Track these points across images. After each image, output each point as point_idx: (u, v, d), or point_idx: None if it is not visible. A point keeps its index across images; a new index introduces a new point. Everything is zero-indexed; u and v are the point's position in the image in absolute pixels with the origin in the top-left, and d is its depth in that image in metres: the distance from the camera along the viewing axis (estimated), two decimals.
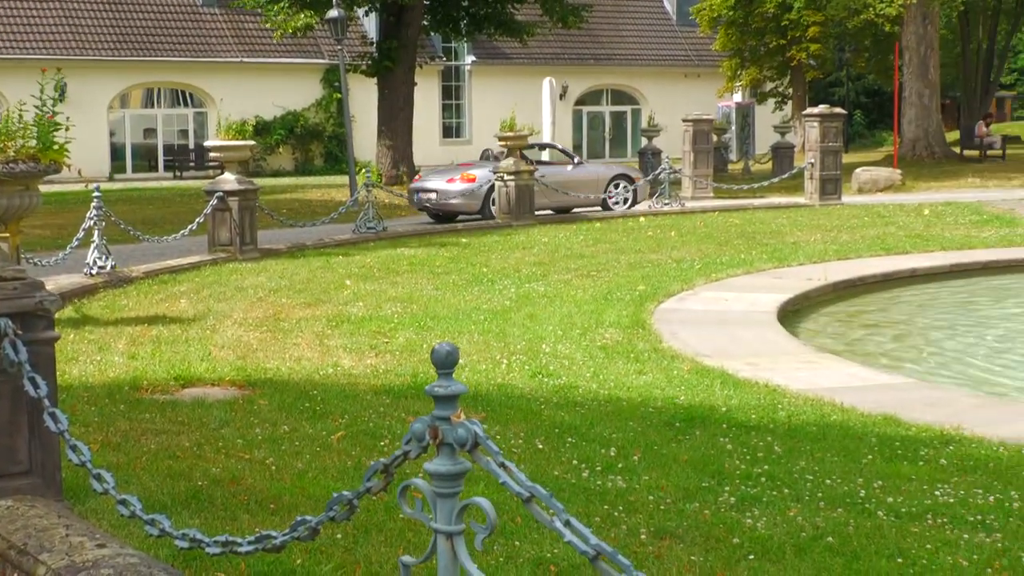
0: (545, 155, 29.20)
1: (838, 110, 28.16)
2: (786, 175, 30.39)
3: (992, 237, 20.35)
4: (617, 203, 26.94)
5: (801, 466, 7.15)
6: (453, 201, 25.37)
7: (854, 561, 5.48)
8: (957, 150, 42.28)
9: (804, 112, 29.86)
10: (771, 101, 49.55)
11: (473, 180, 25.21)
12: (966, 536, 5.85)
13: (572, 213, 25.81)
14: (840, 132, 27.94)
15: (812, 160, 26.94)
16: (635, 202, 27.26)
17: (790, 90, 48.27)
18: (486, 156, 28.00)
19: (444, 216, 25.77)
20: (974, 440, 7.94)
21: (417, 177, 27.43)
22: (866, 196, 29.47)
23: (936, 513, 6.23)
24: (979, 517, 6.16)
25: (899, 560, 5.49)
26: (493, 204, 24.86)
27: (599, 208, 26.63)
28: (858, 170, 32.27)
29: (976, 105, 51.96)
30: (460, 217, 25.66)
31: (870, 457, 7.42)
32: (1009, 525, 6.05)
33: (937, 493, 6.60)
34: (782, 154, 35.82)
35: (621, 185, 27.13)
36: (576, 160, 27.44)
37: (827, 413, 8.72)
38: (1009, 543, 5.76)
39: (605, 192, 26.81)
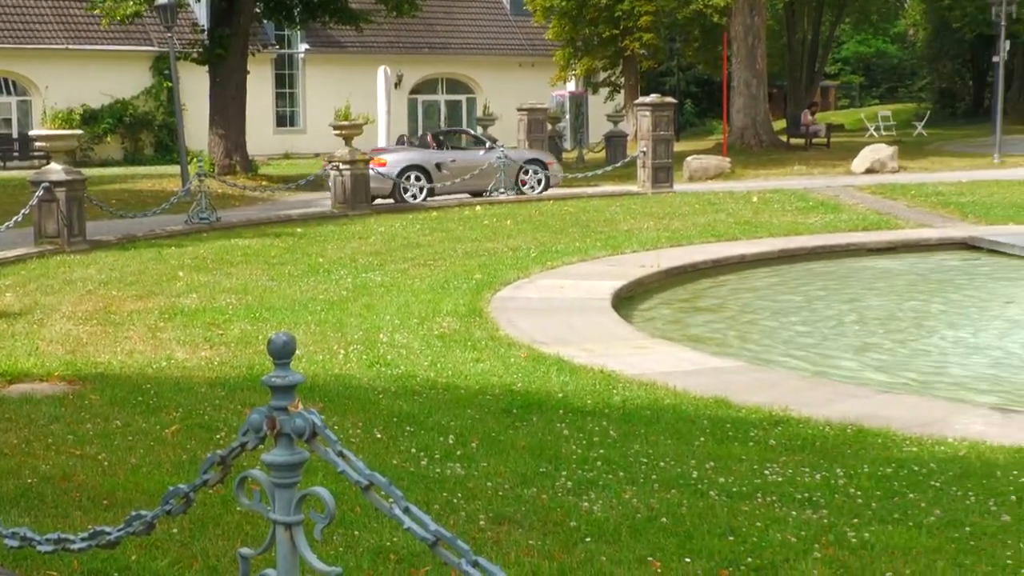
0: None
1: (669, 99, 28.63)
2: (619, 164, 30.78)
3: (818, 223, 20.91)
4: (530, 187, 27.54)
5: (636, 449, 7.29)
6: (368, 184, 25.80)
7: (687, 540, 5.61)
8: (784, 138, 43.28)
9: (636, 101, 30.28)
10: (604, 90, 50.12)
11: (384, 164, 25.88)
12: (794, 513, 6.03)
13: (401, 203, 25.91)
14: (671, 121, 28.39)
15: (645, 149, 27.33)
16: (548, 186, 27.82)
17: (623, 80, 48.89)
18: (401, 141, 28.64)
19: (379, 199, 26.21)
20: (801, 420, 8.17)
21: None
22: (697, 184, 30.00)
23: (766, 492, 6.40)
24: (806, 495, 6.35)
25: (730, 538, 5.63)
26: (405, 191, 25.74)
27: (512, 192, 27.12)
28: (689, 158, 32.84)
29: (802, 94, 53.32)
30: (300, 209, 25.52)
31: (702, 439, 7.59)
32: (835, 501, 6.25)
33: (766, 472, 6.78)
34: (615, 143, 36.27)
35: (532, 170, 27.74)
36: (488, 145, 27.99)
37: (660, 397, 8.88)
38: (835, 519, 5.95)
39: (517, 176, 27.42)
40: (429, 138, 27.82)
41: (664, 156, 27.40)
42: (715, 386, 9.28)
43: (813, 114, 44.48)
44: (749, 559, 5.35)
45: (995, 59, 36.62)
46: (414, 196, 25.93)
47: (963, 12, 52.31)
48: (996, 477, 6.75)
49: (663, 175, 27.32)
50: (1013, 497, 6.35)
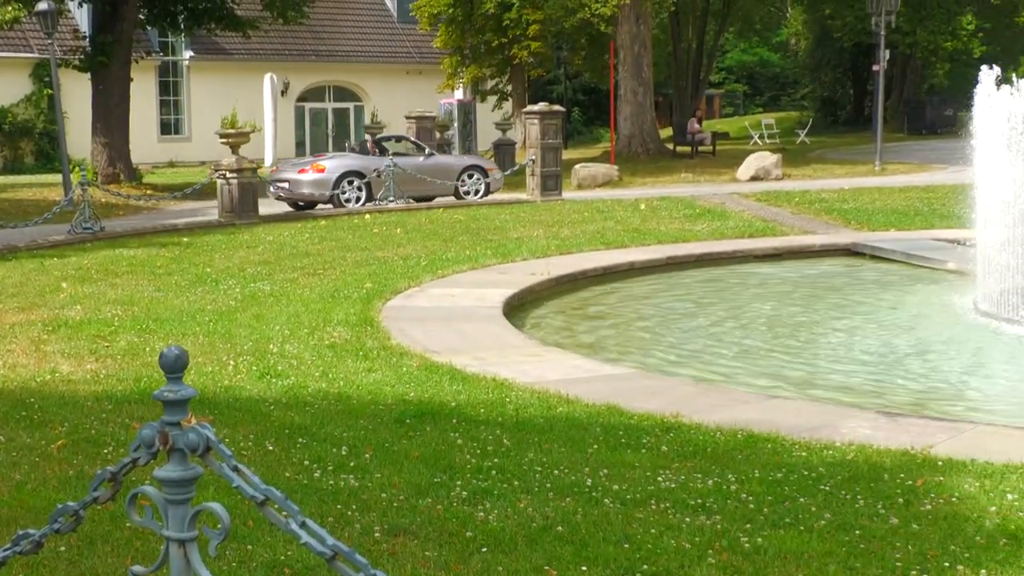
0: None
1: (557, 107, 28.78)
2: (508, 172, 30.84)
3: (705, 230, 21.14)
4: (469, 192, 28.07)
5: (530, 458, 7.29)
6: (304, 190, 26.54)
7: (583, 548, 5.62)
8: (671, 146, 43.74)
9: (525, 109, 30.37)
10: (492, 98, 50.22)
11: (323, 170, 26.54)
12: (688, 519, 6.07)
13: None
14: (560, 129, 28.53)
15: (533, 157, 27.43)
16: (488, 191, 28.29)
17: (511, 88, 49.03)
18: (340, 147, 28.91)
19: (302, 205, 26.85)
20: (692, 426, 8.24)
21: (274, 168, 28.60)
22: (586, 192, 30.19)
23: (659, 498, 6.44)
24: (699, 501, 6.40)
25: (625, 545, 5.66)
26: (344, 193, 26.36)
27: (452, 197, 27.83)
28: (577, 166, 33.02)
29: (687, 103, 53.91)
30: (186, 219, 25.25)
31: (595, 446, 7.62)
32: (727, 507, 6.31)
33: (659, 479, 6.82)
34: (504, 151, 36.37)
35: (474, 176, 28.25)
36: (428, 152, 28.66)
37: (553, 405, 8.90)
38: (728, 524, 6.01)
39: (458, 181, 28.01)
40: (370, 145, 28.28)
41: (553, 164, 27.52)
42: (607, 393, 9.33)
43: (699, 122, 45.01)
44: (645, 566, 5.38)
45: (875, 68, 37.36)
46: (354, 201, 26.37)
47: (843, 21, 53.28)
48: (884, 480, 6.86)
49: (552, 183, 27.44)
50: (901, 500, 6.46)
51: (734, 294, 16.37)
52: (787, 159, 35.88)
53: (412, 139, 30.32)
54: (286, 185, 26.68)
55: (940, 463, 7.26)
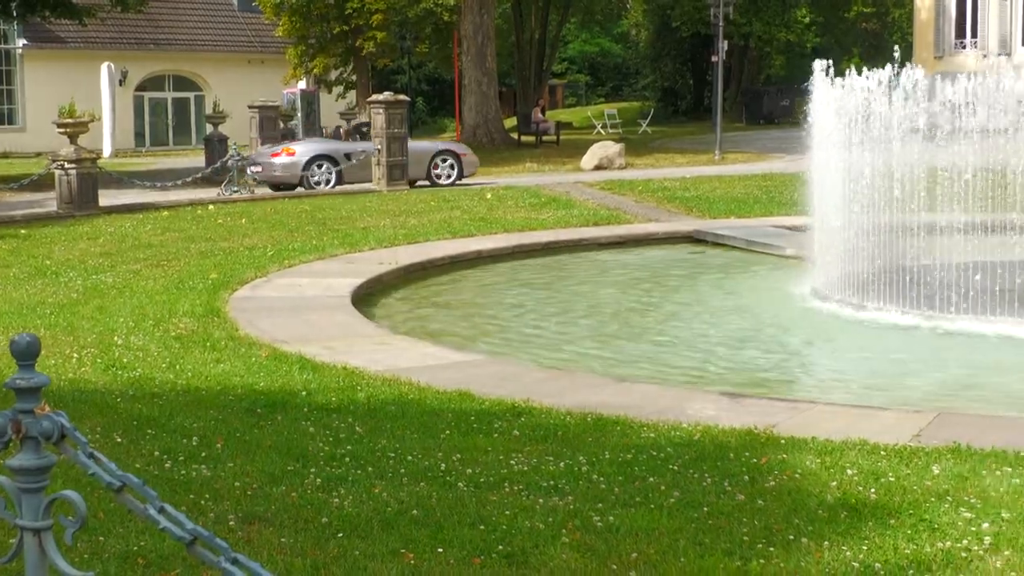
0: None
1: (402, 97, 28.74)
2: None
3: (550, 219, 21.33)
4: (441, 176, 28.85)
5: (383, 444, 7.32)
6: (276, 173, 27.76)
7: (438, 531, 5.67)
8: (515, 136, 43.99)
9: (370, 99, 30.25)
10: (338, 88, 49.88)
11: (293, 154, 27.87)
12: (541, 501, 6.17)
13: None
14: (404, 119, 28.49)
15: (379, 146, 27.35)
16: (462, 175, 29.04)
17: (355, 77, 48.77)
18: (316, 133, 31.31)
19: (274, 186, 27.70)
20: (543, 411, 8.34)
21: (253, 152, 29.83)
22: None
23: (512, 481, 6.53)
24: (552, 482, 6.50)
25: (480, 527, 5.72)
26: (314, 177, 27.45)
27: (427, 182, 28.61)
28: None
29: (531, 93, 54.24)
30: (23, 210, 24.65)
31: (448, 432, 7.67)
32: (579, 488, 6.42)
33: (512, 462, 6.91)
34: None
35: (447, 161, 29.06)
36: None
37: (405, 392, 8.93)
38: (581, 504, 6.11)
39: (430, 166, 28.80)
40: (342, 130, 30.09)
41: (398, 154, 27.48)
42: (458, 380, 9.38)
43: (543, 112, 45.34)
44: (500, 547, 5.45)
45: (713, 59, 38.08)
46: (322, 183, 27.44)
47: (682, 12, 54.17)
48: (729, 459, 7.04)
49: (398, 173, 27.40)
50: (747, 477, 6.64)
51: (580, 281, 16.58)
52: (630, 148, 36.36)
53: None
54: (259, 168, 27.77)
55: (783, 441, 7.48)
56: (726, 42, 38.06)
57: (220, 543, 3.29)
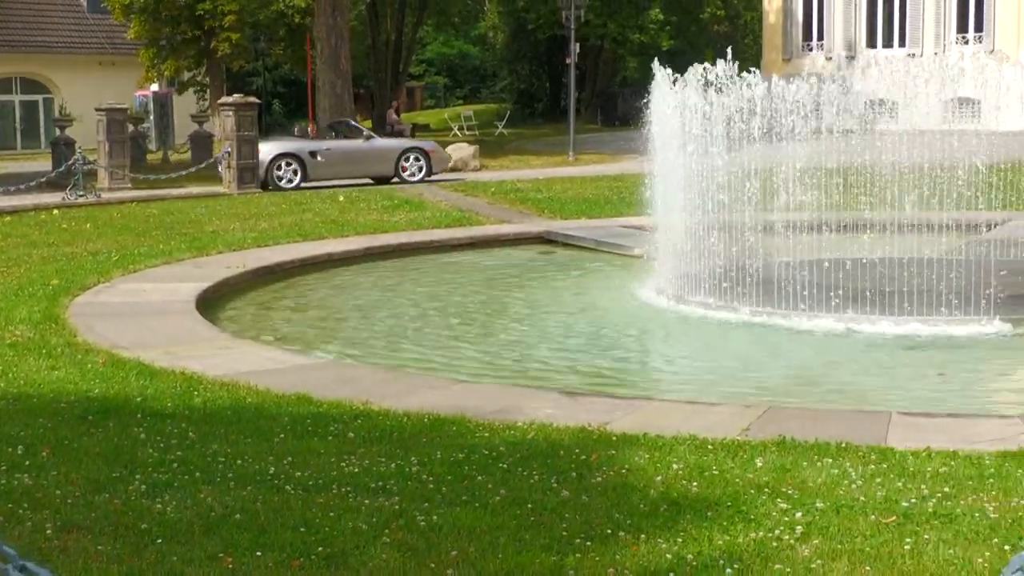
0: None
1: (252, 99, 28.54)
2: (203, 165, 30.33)
3: (402, 221, 21.34)
4: (411, 174, 29.45)
5: (215, 449, 7.27)
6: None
7: (261, 535, 5.66)
8: None
9: (220, 101, 29.96)
10: (192, 91, 49.24)
11: (257, 152, 28.18)
12: (367, 502, 6.19)
13: None
14: (255, 121, 28.26)
15: (229, 149, 27.09)
16: (431, 172, 29.66)
17: (208, 80, 48.17)
18: (288, 133, 32.19)
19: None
20: (381, 413, 8.36)
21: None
22: (283, 184, 29.99)
23: (341, 483, 6.54)
24: (381, 483, 6.53)
25: (302, 530, 5.73)
26: (278, 175, 28.12)
27: (396, 180, 29.38)
28: None
29: (388, 95, 54.14)
30: None
31: (282, 435, 7.65)
32: (408, 488, 6.45)
33: (343, 464, 6.92)
34: (201, 143, 35.66)
35: (412, 157, 29.68)
36: (366, 135, 30.64)
37: (243, 396, 8.88)
38: (407, 505, 6.15)
39: (397, 164, 29.54)
40: (311, 129, 31.14)
41: (249, 157, 27.25)
42: (298, 383, 9.36)
43: (398, 113, 45.27)
44: (320, 548, 5.47)
45: (567, 61, 38.40)
46: (288, 182, 28.08)
47: (537, 15, 54.49)
48: (560, 456, 7.13)
49: (248, 176, 27.17)
50: (574, 474, 6.74)
51: (430, 283, 16.61)
52: (485, 150, 36.49)
53: (352, 123, 32.51)
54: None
55: (615, 438, 7.60)
56: (578, 44, 38.41)
57: (7, 551, 3.26)
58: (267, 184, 28.06)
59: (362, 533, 5.67)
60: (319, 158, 28.62)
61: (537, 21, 55.05)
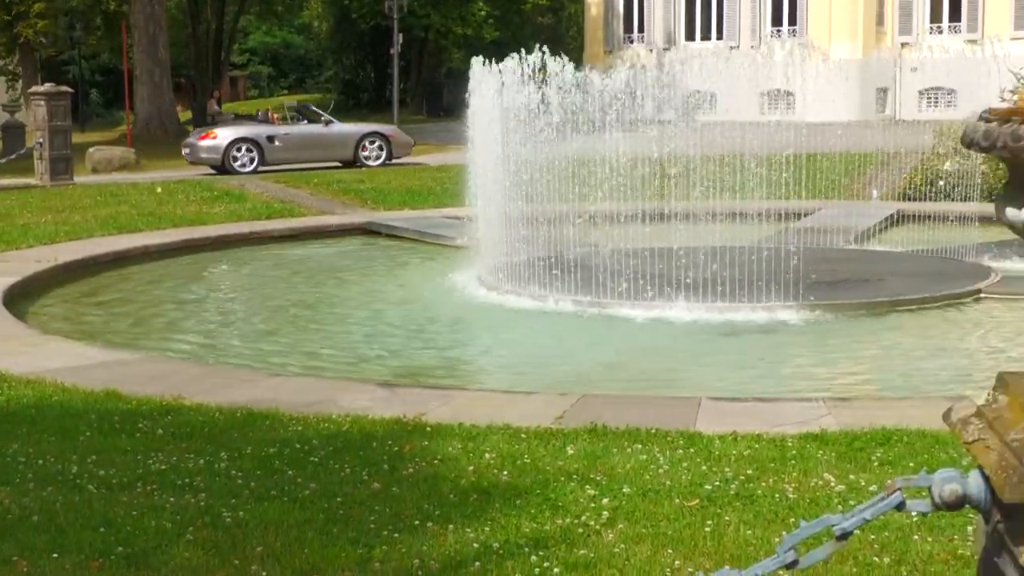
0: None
1: (65, 88, 27.73)
2: (14, 156, 29.39)
3: (222, 212, 21.01)
4: (370, 158, 29.86)
5: (15, 449, 7.06)
6: (203, 155, 29.29)
7: (59, 536, 5.52)
8: (191, 129, 43.04)
9: (30, 91, 29.10)
10: (4, 79, 47.72)
11: (215, 137, 29.30)
12: (173, 499, 6.08)
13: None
14: (69, 111, 27.50)
15: (41, 140, 26.31)
16: (392, 156, 30.02)
17: (20, 68, 46.77)
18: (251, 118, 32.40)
19: (215, 168, 29.10)
20: (194, 408, 8.22)
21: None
22: (101, 176, 29.27)
23: (147, 481, 6.40)
24: (188, 480, 6.42)
25: (103, 530, 5.59)
26: (235, 160, 28.67)
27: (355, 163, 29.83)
28: (92, 150, 31.95)
29: (209, 84, 53.25)
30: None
31: (88, 433, 7.46)
32: (215, 484, 6.35)
33: (150, 462, 6.78)
34: (13, 134, 34.57)
35: (376, 143, 30.15)
36: (325, 120, 30.84)
37: (49, 394, 8.64)
38: (214, 501, 6.05)
39: (357, 148, 29.96)
40: (271, 114, 31.62)
41: (63, 147, 26.49)
42: (108, 379, 9.14)
43: (219, 103, 44.56)
44: (121, 548, 5.35)
45: (391, 52, 38.29)
46: (247, 164, 28.67)
47: (361, 4, 54.18)
48: (373, 448, 7.10)
49: (62, 167, 26.42)
50: (386, 466, 6.72)
51: (250, 275, 16.41)
52: None
53: (312, 108, 33.42)
54: (188, 151, 29.83)
55: (429, 429, 7.59)
56: (402, 35, 38.34)
57: None
58: (225, 169, 28.60)
59: (165, 532, 5.57)
60: (277, 143, 29.22)
61: (360, 11, 54.75)
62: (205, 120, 42.69)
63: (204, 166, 29.58)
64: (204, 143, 29.58)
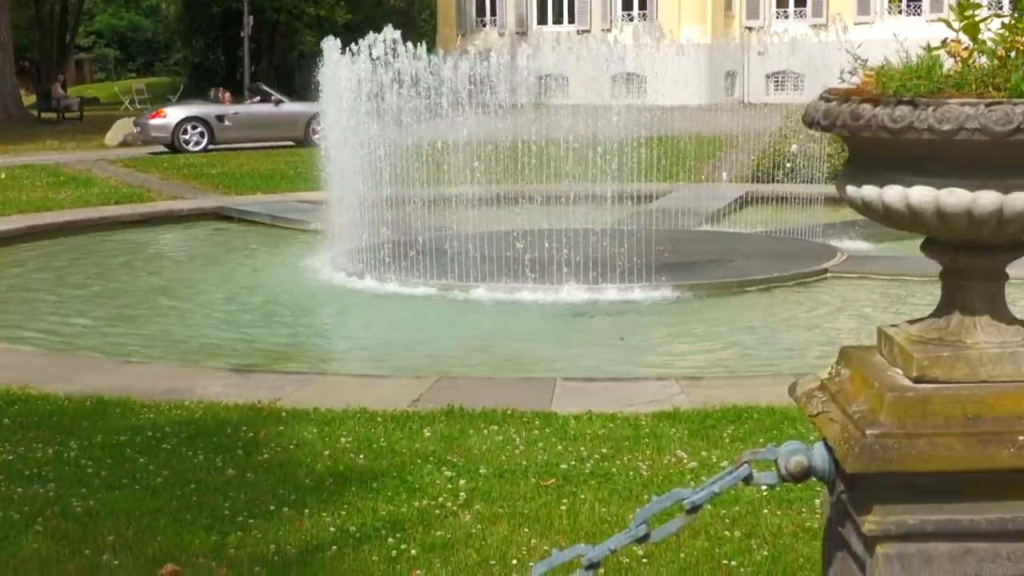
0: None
1: None
2: None
3: (69, 198, 20.54)
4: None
5: None
6: (153, 134, 29.58)
7: None
8: (36, 113, 42.03)
9: None
10: None
11: (164, 116, 29.77)
12: (21, 490, 5.95)
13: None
14: None
15: None
16: None
17: None
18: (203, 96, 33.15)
19: (166, 147, 29.31)
20: (40, 397, 8.04)
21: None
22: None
23: None
24: (36, 470, 6.28)
25: None
26: (184, 138, 29.08)
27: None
28: None
29: (54, 68, 51.98)
30: None
31: None
32: (65, 474, 6.23)
33: None
34: None
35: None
36: (275, 99, 31.45)
37: None
38: (63, 491, 5.94)
39: (307, 128, 29.67)
40: (221, 94, 32.07)
41: None
42: None
43: (64, 87, 43.54)
44: None
45: (242, 34, 37.80)
46: (193, 144, 29.02)
47: None
48: (227, 434, 7.03)
49: None
50: (241, 452, 6.66)
51: (99, 261, 16.08)
52: None
53: (263, 87, 33.87)
54: (139, 130, 30.29)
55: (284, 414, 7.54)
56: (252, 17, 37.90)
57: None
58: (175, 148, 28.83)
59: (13, 523, 5.45)
60: (226, 122, 29.69)
61: None
62: (50, 105, 41.69)
63: (155, 144, 29.64)
64: (154, 122, 29.91)
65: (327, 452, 6.63)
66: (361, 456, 6.49)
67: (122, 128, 32.34)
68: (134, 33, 76.44)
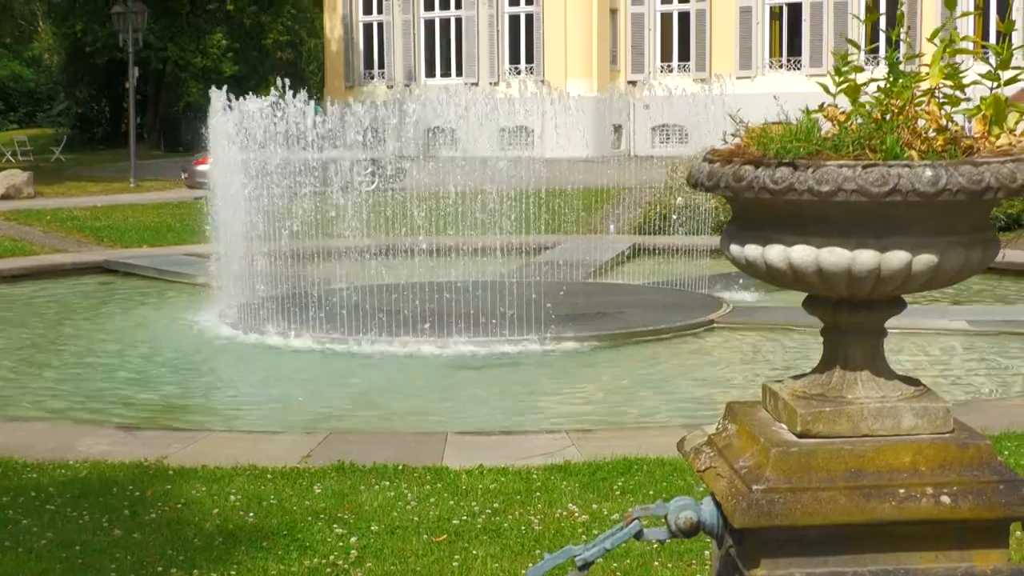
0: None
1: None
2: None
3: None
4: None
5: None
6: (198, 179, 28.31)
7: None
8: None
9: None
10: None
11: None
12: None
13: None
14: None
15: None
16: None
17: None
18: None
19: None
20: None
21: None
22: None
23: None
24: None
25: None
26: None
27: None
28: None
29: None
30: None
31: None
32: None
33: None
34: None
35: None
36: None
37: None
38: None
39: None
40: None
41: None
42: None
43: None
44: None
45: (127, 85, 37.41)
46: None
47: (95, 37, 52.72)
48: (113, 494, 6.92)
49: None
50: (127, 512, 6.55)
51: None
52: (41, 177, 34.91)
53: None
54: (187, 175, 30.80)
55: (171, 472, 7.44)
56: (138, 68, 37.57)
57: None
58: None
59: None
60: None
61: (95, 44, 53.24)
62: None
63: (201, 189, 28.86)
64: (200, 168, 29.52)
65: (216, 510, 6.55)
66: (251, 514, 6.43)
67: (4, 181, 31.76)
68: (15, 84, 75.17)
